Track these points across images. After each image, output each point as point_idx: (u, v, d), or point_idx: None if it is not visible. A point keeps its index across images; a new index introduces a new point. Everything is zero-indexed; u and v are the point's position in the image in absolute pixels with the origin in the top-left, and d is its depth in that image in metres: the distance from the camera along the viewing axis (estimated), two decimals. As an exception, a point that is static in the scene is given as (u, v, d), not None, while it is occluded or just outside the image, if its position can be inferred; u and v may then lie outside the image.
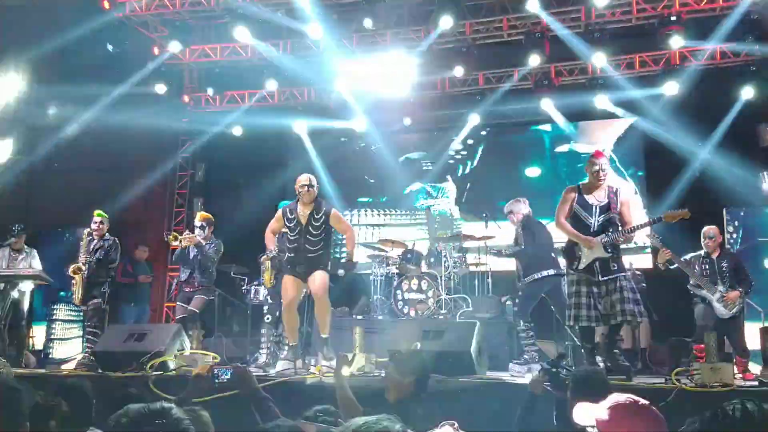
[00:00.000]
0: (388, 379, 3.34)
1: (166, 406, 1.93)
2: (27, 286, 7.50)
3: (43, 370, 6.41)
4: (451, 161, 11.16)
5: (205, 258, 7.10)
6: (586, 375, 3.42)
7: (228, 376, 2.80)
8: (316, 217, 6.00)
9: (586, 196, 5.49)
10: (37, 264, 7.65)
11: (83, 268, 6.95)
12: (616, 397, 2.28)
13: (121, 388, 5.02)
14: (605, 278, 5.35)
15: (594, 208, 5.45)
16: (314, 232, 6.01)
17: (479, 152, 11.10)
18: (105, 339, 6.27)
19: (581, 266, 5.41)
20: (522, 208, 6.75)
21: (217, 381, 2.82)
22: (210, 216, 7.38)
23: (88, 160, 10.62)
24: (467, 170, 11.11)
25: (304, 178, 6.08)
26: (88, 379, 5.48)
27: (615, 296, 5.29)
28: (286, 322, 6.13)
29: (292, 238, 6.07)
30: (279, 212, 6.23)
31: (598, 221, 5.42)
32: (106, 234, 7.24)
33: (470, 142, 11.09)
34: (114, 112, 9.52)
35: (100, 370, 5.83)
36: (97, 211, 7.23)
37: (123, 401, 3.39)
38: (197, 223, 7.28)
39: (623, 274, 5.40)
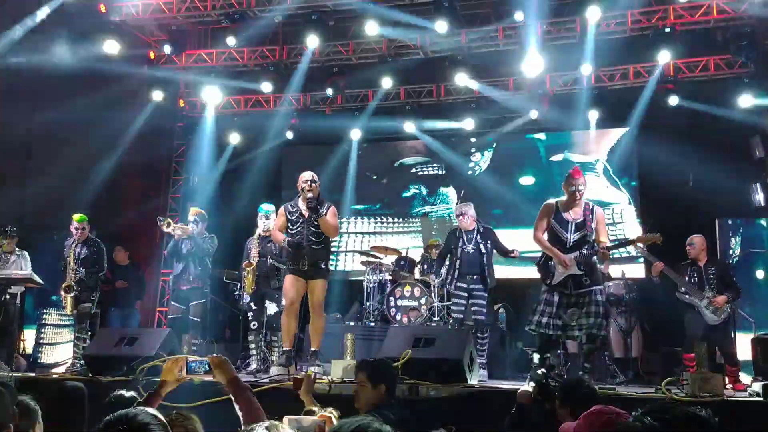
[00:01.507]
0: (359, 389, 3.38)
1: (132, 412, 1.90)
2: (17, 289, 7.48)
3: (33, 374, 6.36)
4: (470, 164, 11.11)
5: (200, 250, 7.10)
6: (573, 385, 3.43)
7: (205, 368, 2.78)
8: (318, 209, 6.06)
9: (563, 213, 5.66)
10: (28, 267, 7.62)
11: (74, 287, 6.92)
12: (593, 407, 2.29)
13: (111, 392, 5.00)
14: (577, 291, 5.54)
15: (570, 224, 5.62)
16: (316, 223, 6.06)
17: (485, 158, 11.12)
18: (95, 343, 6.25)
19: (554, 281, 5.59)
20: (473, 211, 6.99)
21: (193, 372, 2.79)
22: (202, 211, 7.43)
23: (81, 162, 10.57)
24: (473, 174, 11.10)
25: (306, 175, 6.19)
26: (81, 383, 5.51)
27: (583, 309, 5.50)
28: (284, 326, 6.12)
29: (294, 231, 6.10)
30: (281, 209, 6.30)
31: (573, 237, 5.60)
32: (90, 237, 7.20)
33: (476, 155, 11.09)
34: (108, 115, 9.49)
35: (90, 374, 5.80)
36: (76, 216, 7.11)
37: (111, 406, 3.39)
38: (190, 217, 7.32)
39: (597, 287, 5.58)
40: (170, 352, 5.79)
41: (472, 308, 6.86)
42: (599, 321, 5.52)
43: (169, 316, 7.25)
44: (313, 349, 6.10)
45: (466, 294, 6.86)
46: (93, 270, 7.08)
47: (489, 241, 6.91)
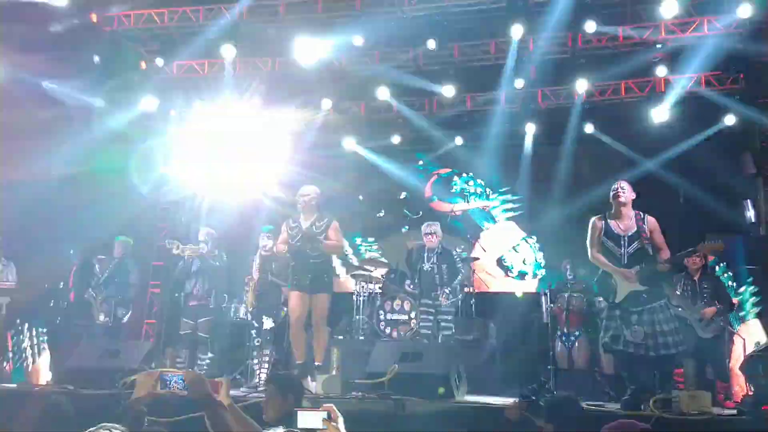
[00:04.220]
0: (268, 401, 3.46)
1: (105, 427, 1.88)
2: (3, 300, 7.39)
3: (14, 385, 6.26)
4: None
5: (210, 270, 7.24)
6: (560, 402, 3.38)
7: (180, 382, 2.73)
8: (318, 224, 6.09)
9: (612, 226, 5.30)
10: (13, 277, 7.56)
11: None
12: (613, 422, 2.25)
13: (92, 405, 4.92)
14: (638, 308, 5.14)
15: (622, 238, 5.25)
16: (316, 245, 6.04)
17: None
18: (78, 355, 6.16)
19: (618, 299, 5.20)
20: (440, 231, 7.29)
21: (168, 388, 2.73)
22: (212, 231, 7.56)
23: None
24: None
25: (305, 189, 6.20)
26: (64, 396, 5.41)
27: (649, 328, 5.08)
28: (294, 340, 6.18)
29: (294, 246, 6.09)
30: (283, 225, 6.33)
31: (628, 252, 5.23)
32: (127, 259, 7.73)
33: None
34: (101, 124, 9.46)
35: (71, 387, 5.70)
36: (117, 238, 7.74)
37: (95, 418, 3.32)
38: (201, 237, 7.46)
39: (658, 302, 5.16)
40: (154, 365, 5.73)
41: (441, 324, 7.03)
42: (672, 338, 5.06)
43: (181, 332, 7.41)
44: (316, 363, 6.12)
45: (432, 311, 7.07)
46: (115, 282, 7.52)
47: (445, 264, 7.13)
